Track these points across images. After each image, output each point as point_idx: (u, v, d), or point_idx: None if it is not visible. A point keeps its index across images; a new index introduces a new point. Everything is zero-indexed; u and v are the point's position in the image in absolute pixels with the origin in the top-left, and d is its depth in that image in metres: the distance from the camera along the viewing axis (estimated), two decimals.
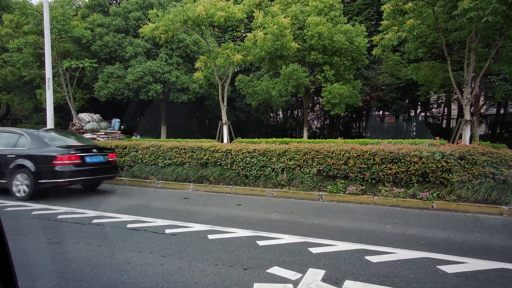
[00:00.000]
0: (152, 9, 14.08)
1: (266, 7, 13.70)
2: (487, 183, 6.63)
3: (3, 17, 22.05)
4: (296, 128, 29.06)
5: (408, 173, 7.30)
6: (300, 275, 3.54)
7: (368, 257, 4.03)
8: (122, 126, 18.14)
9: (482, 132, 27.09)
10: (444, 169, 6.99)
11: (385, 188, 7.47)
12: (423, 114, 29.67)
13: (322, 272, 3.59)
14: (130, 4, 20.05)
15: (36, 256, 4.10)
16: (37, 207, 6.68)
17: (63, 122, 25.45)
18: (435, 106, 28.11)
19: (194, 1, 13.50)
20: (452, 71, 11.99)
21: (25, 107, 25.31)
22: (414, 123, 29.24)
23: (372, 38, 12.59)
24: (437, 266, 3.74)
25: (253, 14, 13.56)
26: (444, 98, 25.87)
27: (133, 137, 19.70)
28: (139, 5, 19.97)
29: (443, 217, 6.09)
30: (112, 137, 16.19)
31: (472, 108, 11.58)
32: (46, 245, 4.48)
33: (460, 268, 3.70)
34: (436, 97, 26.35)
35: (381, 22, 12.34)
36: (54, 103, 13.32)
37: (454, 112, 28.86)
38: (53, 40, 16.32)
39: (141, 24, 16.83)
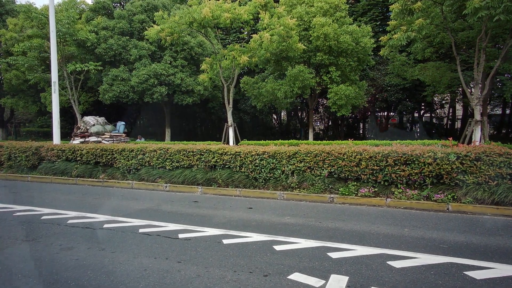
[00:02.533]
0: (157, 12, 14.03)
1: (272, 8, 13.62)
2: (504, 185, 6.49)
3: (8, 21, 22.11)
4: (300, 129, 28.94)
5: (422, 174, 7.17)
6: (323, 281, 3.42)
7: (390, 262, 3.91)
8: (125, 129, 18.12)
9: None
10: (459, 171, 6.85)
11: (398, 190, 7.34)
12: (427, 115, 29.51)
13: (345, 279, 3.48)
14: (135, 7, 20.03)
15: (50, 262, 4.00)
16: (46, 212, 6.59)
17: (67, 126, 25.47)
18: (439, 106, 27.97)
19: (200, 3, 13.45)
20: (460, 71, 11.85)
21: (29, 110, 25.36)
22: (418, 124, 29.08)
23: (380, 39, 12.49)
24: (464, 272, 3.62)
25: (259, 15, 13.50)
26: (449, 99, 25.70)
27: (137, 140, 19.65)
28: (143, 8, 19.94)
29: (460, 220, 5.95)
30: (117, 140, 16.15)
31: (481, 108, 11.40)
32: (59, 251, 4.39)
33: (489, 274, 3.57)
34: (440, 98, 26.20)
35: (389, 22, 12.24)
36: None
37: (458, 113, 28.69)
38: (57, 43, 16.30)
39: (145, 27, 16.82)
